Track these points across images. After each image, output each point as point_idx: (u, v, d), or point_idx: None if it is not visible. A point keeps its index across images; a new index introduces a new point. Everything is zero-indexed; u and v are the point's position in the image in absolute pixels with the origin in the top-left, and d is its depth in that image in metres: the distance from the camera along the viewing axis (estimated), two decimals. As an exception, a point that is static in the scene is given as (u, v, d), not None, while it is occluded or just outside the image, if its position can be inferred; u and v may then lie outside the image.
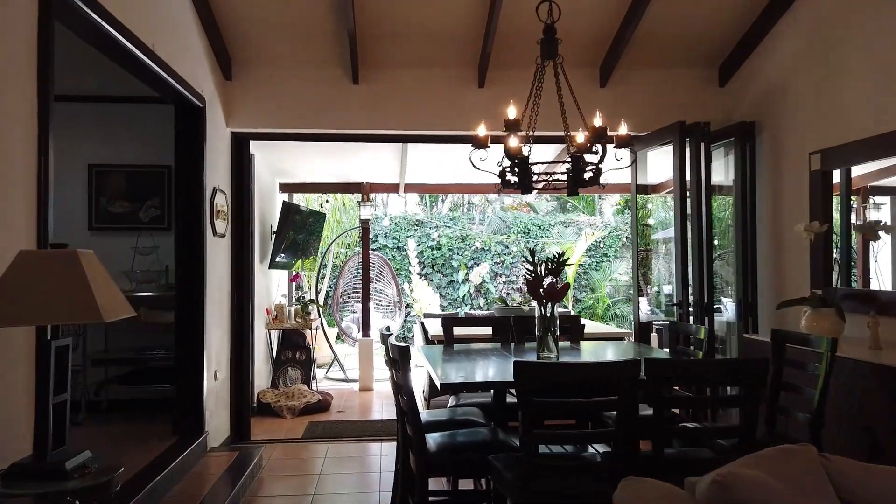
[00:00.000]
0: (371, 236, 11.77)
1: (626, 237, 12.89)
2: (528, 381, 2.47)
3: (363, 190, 7.56)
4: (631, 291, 13.05)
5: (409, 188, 7.66)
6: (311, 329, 6.91)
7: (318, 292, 8.74)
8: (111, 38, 3.09)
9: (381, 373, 8.21)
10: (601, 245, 12.72)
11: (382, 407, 6.60)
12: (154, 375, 5.00)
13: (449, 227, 12.51)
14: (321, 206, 7.99)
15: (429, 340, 6.29)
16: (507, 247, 12.50)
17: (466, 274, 12.21)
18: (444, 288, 12.18)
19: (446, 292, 12.17)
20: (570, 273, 12.01)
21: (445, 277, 12.28)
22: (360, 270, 8.84)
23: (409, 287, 9.42)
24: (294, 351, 6.96)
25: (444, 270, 12.29)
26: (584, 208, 14.09)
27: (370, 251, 7.83)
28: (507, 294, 12.48)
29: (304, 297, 7.09)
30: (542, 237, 12.66)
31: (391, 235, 12.25)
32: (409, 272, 9.65)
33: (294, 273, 7.96)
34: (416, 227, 12.40)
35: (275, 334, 7.09)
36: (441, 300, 11.00)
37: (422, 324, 6.32)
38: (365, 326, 7.60)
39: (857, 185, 4.02)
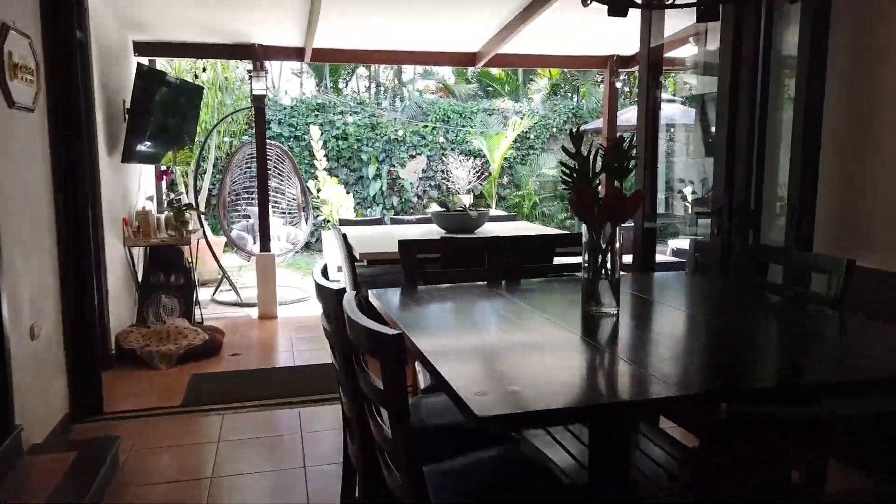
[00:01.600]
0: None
1: (556, 127, 11.57)
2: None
3: (254, 55, 5.60)
4: (561, 188, 11.82)
5: (320, 55, 5.78)
6: (189, 244, 5.14)
7: (197, 192, 6.84)
8: None
9: (288, 293, 6.60)
10: (528, 136, 11.36)
11: (292, 343, 5.07)
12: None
13: (356, 112, 10.66)
14: (196, 78, 5.98)
15: (354, 260, 4.74)
16: (423, 137, 10.88)
17: (378, 169, 10.54)
18: (351, 185, 10.50)
19: (354, 190, 10.52)
20: (494, 168, 10.64)
21: (353, 173, 10.57)
22: (253, 164, 6.98)
23: (314, 185, 7.67)
24: (168, 273, 5.19)
25: (352, 165, 10.55)
26: (509, 93, 12.55)
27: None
28: (425, 192, 10.99)
29: (178, 201, 5.26)
30: (463, 126, 11.08)
31: (287, 122, 10.26)
32: (315, 167, 7.86)
33: (165, 168, 6.01)
34: (316, 113, 10.44)
35: (139, 252, 5.27)
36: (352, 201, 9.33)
37: (344, 237, 4.73)
38: (264, 237, 5.89)
39: None
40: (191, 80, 6.54)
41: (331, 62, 6.11)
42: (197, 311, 5.56)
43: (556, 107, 11.68)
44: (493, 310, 2.24)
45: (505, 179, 11.28)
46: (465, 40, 5.78)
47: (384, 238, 5.39)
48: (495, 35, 5.65)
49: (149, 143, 5.43)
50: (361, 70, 13.78)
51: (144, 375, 4.28)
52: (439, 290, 2.56)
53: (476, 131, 10.89)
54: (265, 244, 5.89)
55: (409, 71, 14.13)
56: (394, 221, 6.44)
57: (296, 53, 5.83)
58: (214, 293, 6.66)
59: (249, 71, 5.58)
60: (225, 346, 4.92)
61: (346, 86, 13.18)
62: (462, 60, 6.07)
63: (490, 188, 10.60)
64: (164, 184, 6.01)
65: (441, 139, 10.94)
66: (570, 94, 13.31)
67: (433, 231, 5.83)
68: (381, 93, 12.52)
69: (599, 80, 12.00)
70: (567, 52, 6.18)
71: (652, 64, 4.05)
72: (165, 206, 5.86)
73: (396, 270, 5.20)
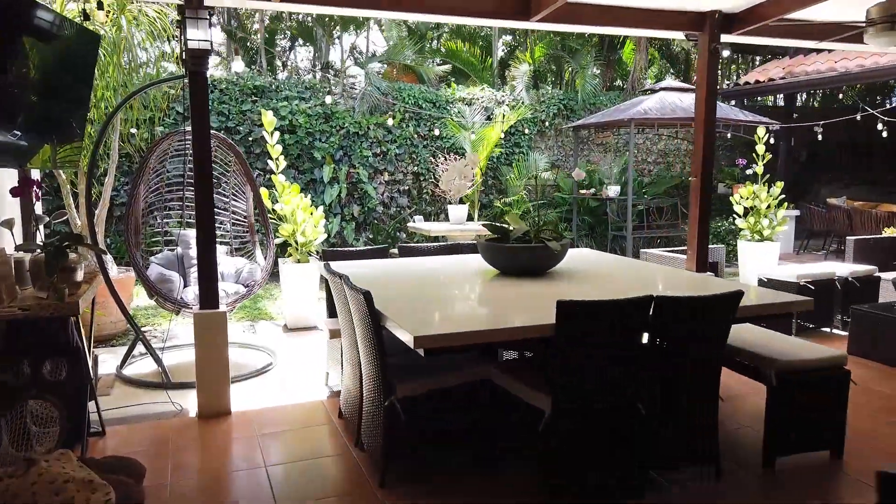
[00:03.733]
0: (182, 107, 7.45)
1: (547, 121, 9.74)
2: None
3: (188, -14, 3.36)
4: (563, 193, 9.75)
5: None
6: (77, 312, 2.87)
7: (92, 207, 4.46)
8: None
9: (237, 357, 4.41)
10: (513, 131, 9.47)
11: (269, 479, 2.89)
12: None
13: (304, 98, 8.42)
14: (85, 20, 3.66)
15: (382, 340, 2.66)
16: (389, 131, 8.77)
17: (334, 170, 8.37)
18: (300, 192, 8.25)
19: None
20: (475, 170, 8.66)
21: (303, 175, 8.34)
22: (186, 164, 4.67)
23: (268, 196, 5.42)
24: (39, 360, 2.92)
25: (301, 165, 8.32)
26: (485, 76, 10.59)
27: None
28: (392, 199, 8.90)
29: (55, 231, 2.97)
30: (439, 117, 9.05)
31: (215, 108, 7.90)
32: (271, 168, 5.57)
33: (32, 178, 3.66)
34: (254, 98, 8.14)
35: (-19, 326, 2.94)
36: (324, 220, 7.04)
37: (367, 299, 2.63)
38: (207, 283, 3.65)
39: None
40: (76, 20, 4.13)
41: (317, 5, 3.92)
42: (92, 407, 3.30)
43: (542, 97, 9.83)
44: None
45: (489, 183, 9.33)
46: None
47: (425, 293, 3.30)
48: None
49: (18, 133, 3.15)
50: (299, 48, 11.46)
51: None
52: None
53: (455, 123, 8.88)
54: (210, 295, 3.65)
55: (356, 49, 11.93)
56: (403, 251, 4.32)
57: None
58: (123, 364, 4.34)
59: (182, 7, 3.33)
60: (148, 498, 2.70)
61: (284, 68, 10.83)
62: (509, 9, 4.06)
63: (473, 195, 8.62)
64: (33, 202, 3.62)
65: (413, 133, 8.86)
66: (556, 82, 11.53)
67: (473, 268, 3.80)
68: (335, 75, 10.26)
69: (591, 65, 10.26)
70: (650, 5, 4.30)
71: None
72: (37, 239, 3.51)
73: (455, 361, 3.03)
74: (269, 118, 5.40)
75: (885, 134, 7.79)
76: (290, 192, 5.42)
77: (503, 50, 12.09)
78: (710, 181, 4.61)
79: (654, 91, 8.72)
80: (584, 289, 3.24)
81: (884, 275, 5.50)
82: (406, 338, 2.44)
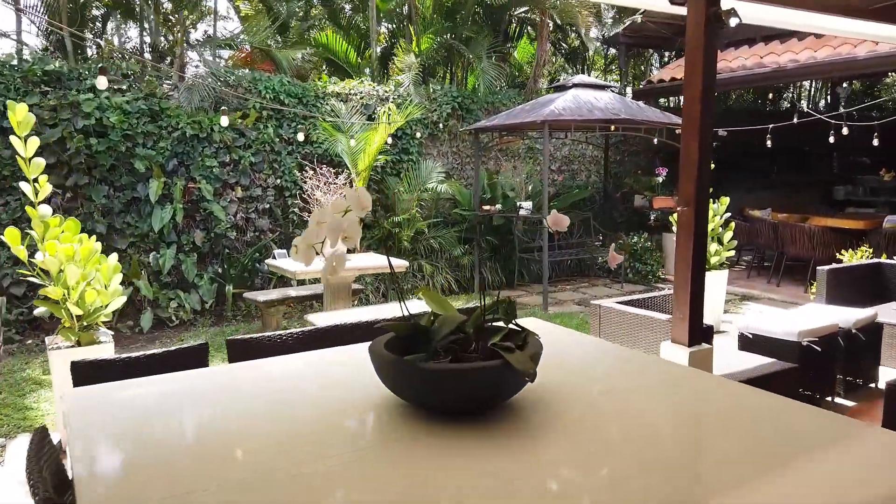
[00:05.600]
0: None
1: (437, 122, 8.13)
2: None
3: None
4: (461, 209, 8.06)
5: None
6: None
7: None
8: None
9: None
10: (400, 134, 7.78)
11: None
12: None
13: (120, 89, 6.28)
14: None
15: None
16: (242, 134, 6.81)
17: (165, 186, 6.31)
18: (117, 215, 6.15)
19: (124, 223, 6.17)
20: (358, 180, 6.95)
21: (121, 194, 6.20)
22: None
23: (20, 241, 3.35)
24: None
25: (116, 178, 6.18)
26: (361, 66, 8.78)
27: None
28: (248, 221, 6.94)
29: None
30: (306, 116, 7.19)
31: (-19, 102, 5.59)
32: (27, 196, 3.39)
33: None
34: (44, 86, 5.91)
35: None
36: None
37: None
38: None
39: None
40: None
41: None
42: None
43: (434, 94, 8.19)
44: None
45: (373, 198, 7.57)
46: None
47: None
48: None
49: None
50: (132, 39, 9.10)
51: None
52: None
53: (329, 125, 7.04)
54: None
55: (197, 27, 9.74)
56: (235, 351, 2.45)
57: None
58: None
59: None
60: None
61: (98, 51, 8.46)
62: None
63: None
64: None
65: (273, 136, 6.92)
66: (448, 78, 9.95)
67: (364, 393, 1.99)
68: (169, 63, 8.03)
69: (486, 56, 8.75)
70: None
71: None
72: None
73: None
74: (19, 115, 3.33)
75: (832, 139, 6.85)
76: (62, 233, 3.39)
77: (384, 39, 10.37)
78: (705, 213, 3.15)
79: (565, 88, 7.34)
80: (581, 461, 1.58)
81: (886, 318, 4.33)
82: None
